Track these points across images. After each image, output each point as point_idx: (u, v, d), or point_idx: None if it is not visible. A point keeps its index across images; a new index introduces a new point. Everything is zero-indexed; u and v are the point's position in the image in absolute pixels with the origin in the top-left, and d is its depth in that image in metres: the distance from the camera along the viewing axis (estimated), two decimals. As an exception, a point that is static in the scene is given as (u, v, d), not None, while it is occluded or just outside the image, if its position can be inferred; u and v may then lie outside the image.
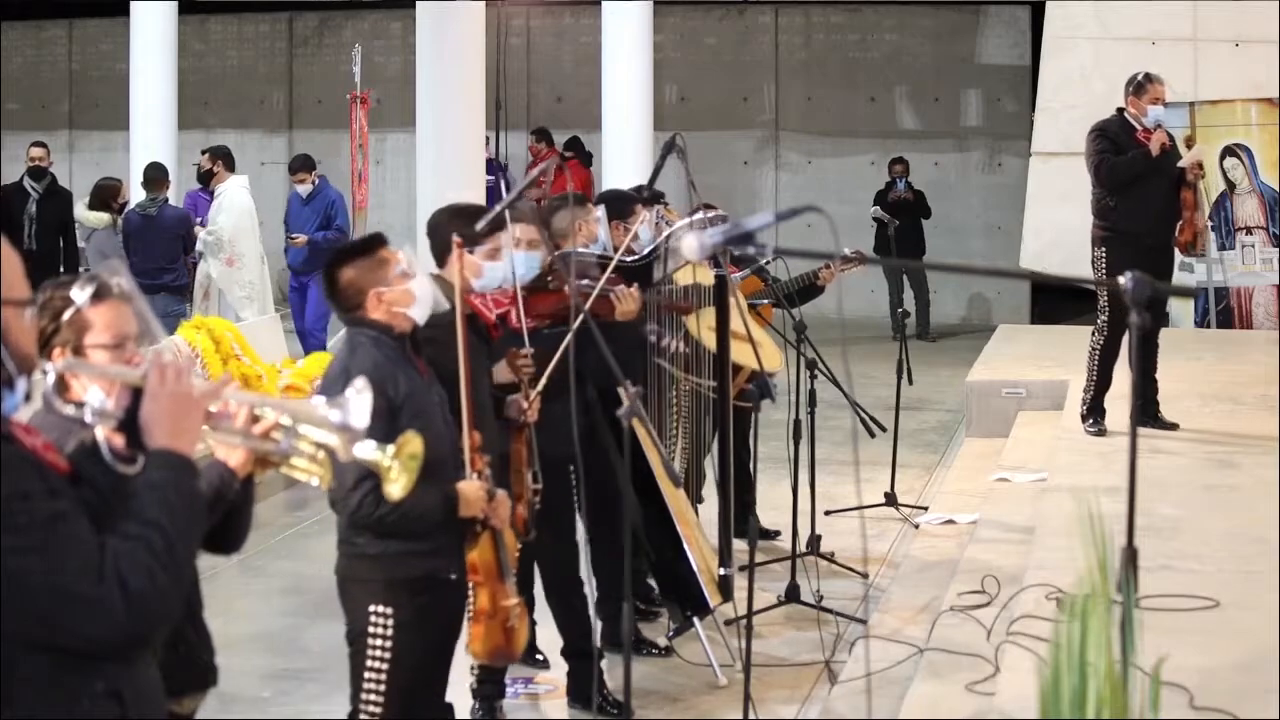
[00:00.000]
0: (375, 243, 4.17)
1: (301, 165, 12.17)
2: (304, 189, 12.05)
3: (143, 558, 2.37)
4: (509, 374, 4.95)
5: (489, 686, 5.49)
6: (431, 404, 4.10)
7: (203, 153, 12.39)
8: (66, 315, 3.10)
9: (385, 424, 3.89)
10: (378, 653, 4.06)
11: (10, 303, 2.38)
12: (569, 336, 4.84)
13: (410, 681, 4.10)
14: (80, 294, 3.05)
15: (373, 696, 4.08)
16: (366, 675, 4.08)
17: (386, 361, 4.01)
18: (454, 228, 4.82)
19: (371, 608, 4.07)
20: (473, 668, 5.41)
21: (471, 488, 4.14)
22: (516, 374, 4.90)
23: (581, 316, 4.76)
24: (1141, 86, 7.90)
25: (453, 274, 4.83)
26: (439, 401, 4.16)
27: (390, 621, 4.06)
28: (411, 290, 4.09)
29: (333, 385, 3.96)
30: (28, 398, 2.42)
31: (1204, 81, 12.37)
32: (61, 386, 3.18)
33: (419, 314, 4.12)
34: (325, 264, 4.22)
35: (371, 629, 4.07)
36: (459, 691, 5.18)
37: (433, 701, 4.27)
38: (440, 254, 4.81)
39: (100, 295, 3.08)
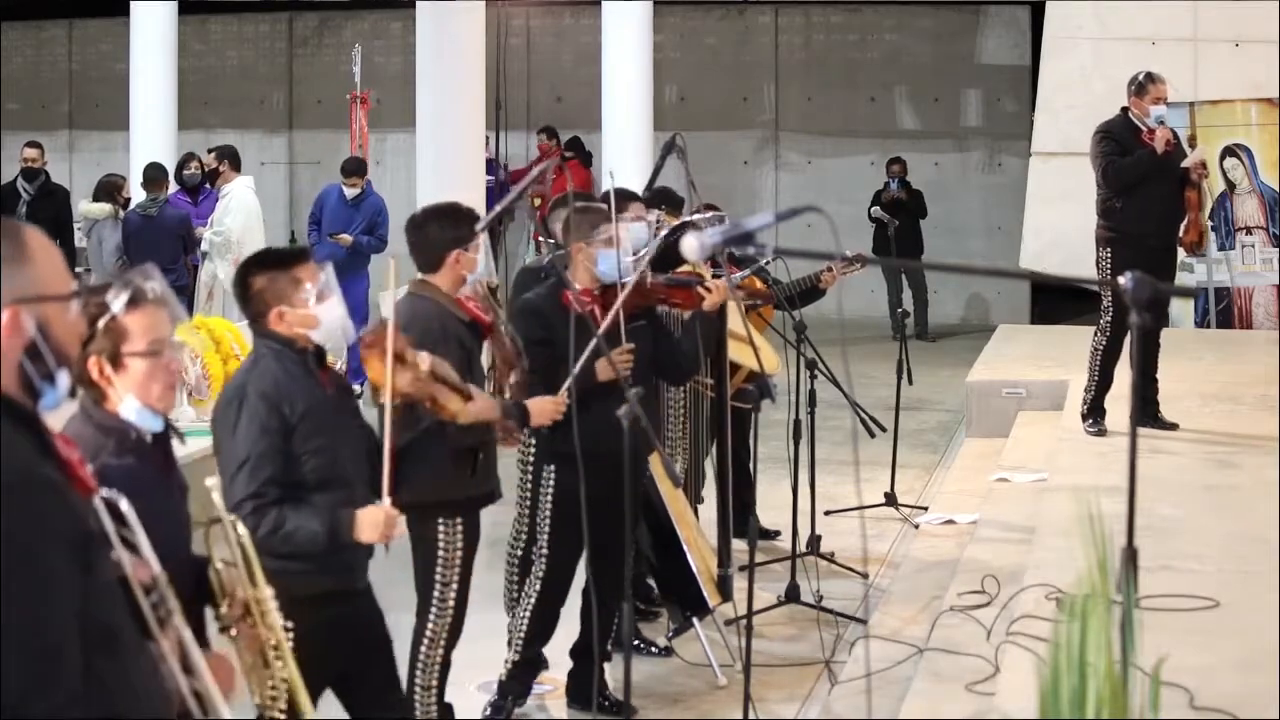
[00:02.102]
0: (295, 258, 4.04)
1: (355, 169, 12.16)
2: (352, 191, 12.02)
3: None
4: (610, 371, 4.92)
5: (514, 684, 5.44)
6: (338, 420, 4.01)
7: (209, 151, 12.33)
8: (102, 323, 3.06)
9: (278, 441, 3.86)
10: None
11: (51, 298, 2.31)
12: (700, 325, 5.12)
13: (314, 691, 4.06)
14: (116, 301, 3.00)
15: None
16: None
17: (286, 377, 3.93)
18: (438, 229, 4.80)
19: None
20: (506, 662, 5.41)
21: (370, 515, 3.94)
22: (615, 370, 4.87)
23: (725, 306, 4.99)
24: (1143, 87, 7.88)
25: (442, 278, 4.81)
26: (352, 414, 4.10)
27: (291, 636, 4.01)
28: (316, 316, 3.96)
29: (230, 400, 3.91)
30: (72, 394, 2.38)
31: (1204, 81, 12.37)
32: (99, 395, 3.15)
33: (321, 339, 4.01)
34: (241, 265, 4.13)
35: None
36: (459, 691, 5.18)
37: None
38: (428, 257, 4.79)
39: (136, 301, 3.03)
